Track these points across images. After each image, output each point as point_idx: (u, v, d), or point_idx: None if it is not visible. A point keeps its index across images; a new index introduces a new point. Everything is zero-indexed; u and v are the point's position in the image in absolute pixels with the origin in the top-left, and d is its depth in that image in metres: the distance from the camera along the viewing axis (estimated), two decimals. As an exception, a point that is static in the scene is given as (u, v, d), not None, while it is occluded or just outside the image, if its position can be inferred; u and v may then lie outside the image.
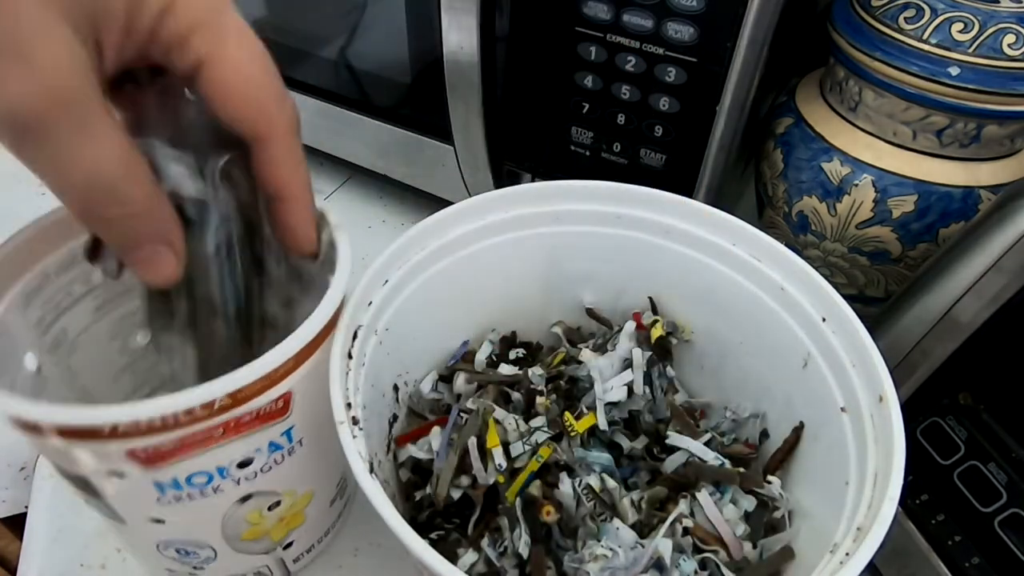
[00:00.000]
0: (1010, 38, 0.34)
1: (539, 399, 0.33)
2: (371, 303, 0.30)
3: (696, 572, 0.28)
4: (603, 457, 0.32)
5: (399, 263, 0.32)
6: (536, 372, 0.34)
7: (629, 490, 0.32)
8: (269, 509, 0.30)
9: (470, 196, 0.34)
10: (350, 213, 0.58)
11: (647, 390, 0.33)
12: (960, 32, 0.34)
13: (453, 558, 0.30)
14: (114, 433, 0.23)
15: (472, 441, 0.31)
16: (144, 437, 0.24)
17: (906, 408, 0.26)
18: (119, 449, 0.24)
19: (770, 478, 0.31)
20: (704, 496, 0.30)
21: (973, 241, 0.31)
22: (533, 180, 0.47)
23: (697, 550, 0.29)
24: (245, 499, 0.29)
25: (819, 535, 0.27)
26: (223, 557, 0.31)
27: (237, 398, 0.25)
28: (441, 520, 0.32)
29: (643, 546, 0.29)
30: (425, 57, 0.45)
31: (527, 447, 0.31)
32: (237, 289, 0.28)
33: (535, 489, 0.30)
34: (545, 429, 0.31)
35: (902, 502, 0.25)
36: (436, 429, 0.33)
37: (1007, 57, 0.34)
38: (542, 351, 0.39)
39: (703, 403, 0.37)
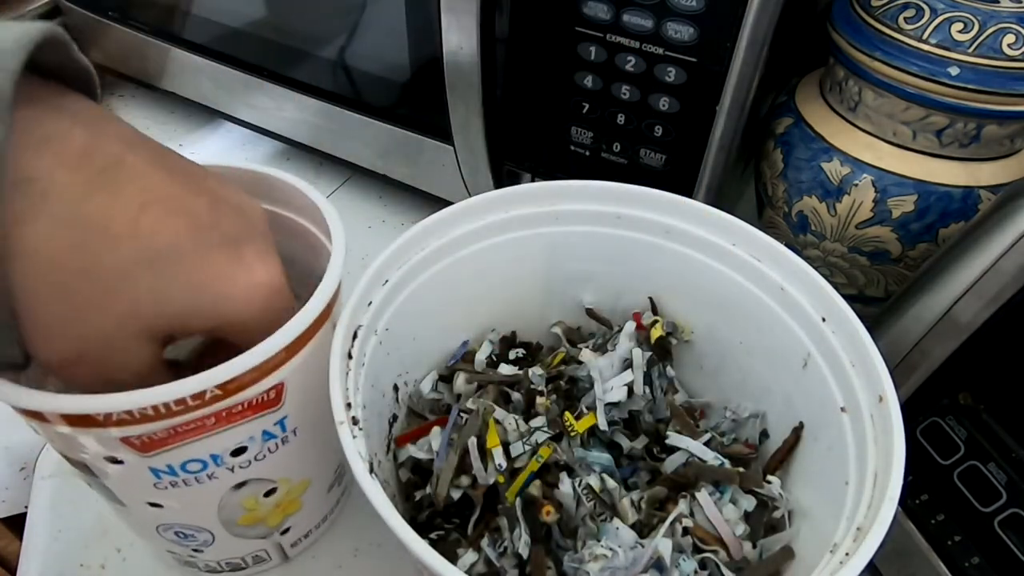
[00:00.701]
0: (1010, 38, 0.34)
1: (539, 399, 0.33)
2: (371, 303, 0.30)
3: (696, 572, 0.28)
4: (603, 457, 0.32)
5: (399, 263, 0.32)
6: (536, 372, 0.34)
7: (629, 490, 0.32)
8: (265, 496, 0.31)
9: (470, 196, 0.34)
10: (350, 213, 0.58)
11: (647, 390, 0.33)
12: (960, 32, 0.34)
13: (453, 558, 0.30)
14: (108, 421, 0.24)
15: (472, 441, 0.31)
16: (137, 425, 0.24)
17: (906, 408, 0.26)
18: (115, 436, 0.25)
19: (770, 478, 0.31)
20: (704, 496, 0.30)
21: (973, 241, 0.31)
22: (533, 180, 0.47)
23: (697, 550, 0.29)
24: (240, 486, 0.29)
25: (819, 535, 0.27)
26: (221, 541, 0.32)
27: (228, 389, 0.25)
28: (441, 520, 0.32)
29: (643, 546, 0.29)
30: (425, 57, 0.45)
31: (527, 447, 0.31)
32: None
33: (535, 489, 0.30)
34: (545, 429, 0.31)
35: (902, 502, 0.25)
36: (436, 429, 0.33)
37: (1007, 57, 0.34)
38: (542, 351, 0.39)
39: (703, 403, 0.37)
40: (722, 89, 0.37)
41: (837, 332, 0.29)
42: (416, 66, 0.47)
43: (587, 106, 0.42)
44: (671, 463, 0.32)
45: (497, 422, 0.31)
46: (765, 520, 0.30)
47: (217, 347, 0.28)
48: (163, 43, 0.59)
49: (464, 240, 0.34)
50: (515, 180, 0.48)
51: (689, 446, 0.32)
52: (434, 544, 0.29)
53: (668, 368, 0.35)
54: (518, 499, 0.30)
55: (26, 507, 0.40)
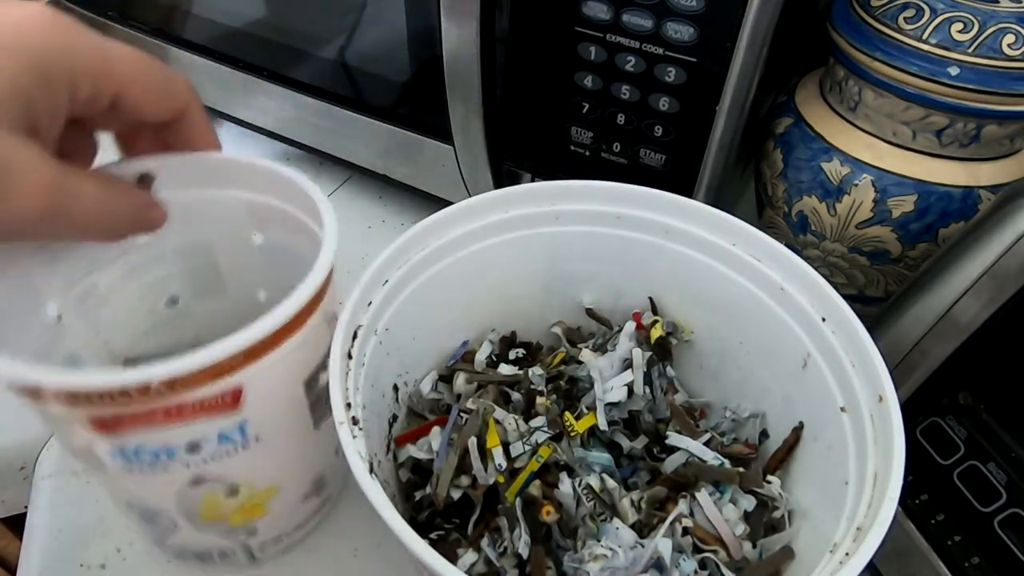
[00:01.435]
0: (1010, 38, 0.34)
1: (539, 399, 0.33)
2: (371, 303, 0.30)
3: (696, 572, 0.28)
4: (603, 457, 0.32)
5: (399, 263, 0.32)
6: (536, 372, 0.34)
7: (629, 490, 0.32)
8: (228, 496, 0.30)
9: (470, 196, 0.34)
10: (350, 213, 0.58)
11: (647, 390, 0.33)
12: (960, 32, 0.34)
13: (453, 558, 0.30)
14: (69, 397, 0.24)
15: (472, 441, 0.31)
16: (91, 406, 0.24)
17: (906, 408, 0.26)
18: (78, 411, 0.25)
19: (770, 478, 0.31)
20: (704, 496, 0.30)
21: (973, 241, 0.31)
22: (533, 180, 0.47)
23: (697, 550, 0.29)
24: (197, 482, 0.29)
25: (819, 535, 0.27)
26: (186, 531, 0.31)
27: (174, 386, 0.24)
28: (441, 520, 0.32)
29: (643, 546, 0.29)
30: (425, 57, 0.45)
31: (527, 447, 0.31)
32: None
33: (535, 489, 0.30)
34: (545, 429, 0.31)
35: (902, 502, 0.25)
36: (436, 429, 0.33)
37: (1007, 57, 0.34)
38: (542, 351, 0.39)
39: (703, 403, 0.37)
40: (722, 89, 0.37)
41: (837, 332, 0.29)
42: (416, 66, 0.47)
43: (587, 106, 0.42)
44: (671, 463, 0.32)
45: (497, 422, 0.31)
46: (765, 520, 0.30)
47: None
48: (163, 43, 0.59)
49: (464, 240, 0.34)
50: (515, 180, 0.48)
51: (689, 446, 0.32)
52: (434, 544, 0.29)
53: (668, 368, 0.35)
54: (518, 499, 0.30)
55: (26, 507, 0.40)
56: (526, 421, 0.32)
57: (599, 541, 0.29)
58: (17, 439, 0.42)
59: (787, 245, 0.32)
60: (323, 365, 0.30)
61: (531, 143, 0.46)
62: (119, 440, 0.26)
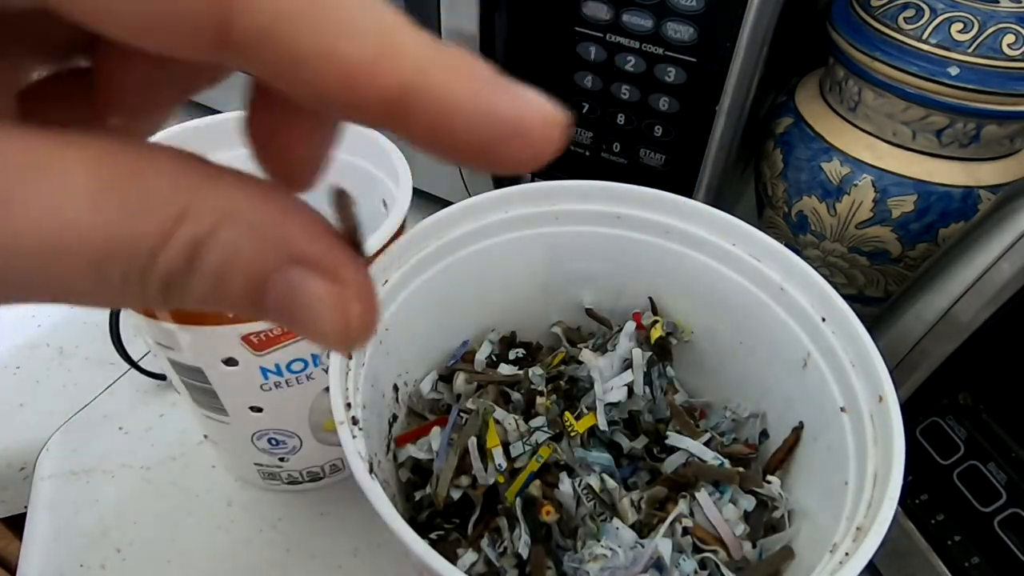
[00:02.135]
0: (1010, 38, 0.34)
1: (539, 399, 0.33)
2: (371, 303, 0.30)
3: (696, 572, 0.28)
4: (603, 457, 0.32)
5: (399, 263, 0.32)
6: (536, 372, 0.34)
7: (629, 490, 0.32)
8: None
9: (470, 196, 0.34)
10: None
11: (647, 390, 0.33)
12: (960, 32, 0.34)
13: (453, 558, 0.30)
14: (236, 317, 0.27)
15: (472, 441, 0.31)
16: (258, 321, 0.28)
17: (906, 408, 0.26)
18: (236, 333, 0.28)
19: (770, 478, 0.31)
20: (704, 496, 0.30)
21: (973, 241, 0.31)
22: (533, 180, 0.47)
23: (697, 550, 0.29)
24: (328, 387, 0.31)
25: (819, 535, 0.27)
26: (306, 447, 0.36)
27: None
28: (441, 520, 0.32)
29: (643, 546, 0.29)
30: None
31: (527, 447, 0.31)
32: None
33: (535, 489, 0.30)
34: (545, 429, 0.31)
35: (902, 502, 0.25)
36: (436, 429, 0.33)
37: (1007, 57, 0.34)
38: (542, 351, 0.39)
39: (703, 403, 0.37)
40: (722, 89, 0.37)
41: (837, 332, 0.29)
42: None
43: (587, 106, 0.42)
44: (671, 463, 0.32)
45: (497, 422, 0.31)
46: (765, 520, 0.30)
47: None
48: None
49: (464, 240, 0.34)
50: (515, 180, 0.48)
51: (689, 446, 0.32)
52: (434, 544, 0.29)
53: (668, 368, 0.35)
54: (518, 499, 0.30)
55: (26, 507, 0.40)
56: (526, 421, 0.32)
57: (599, 541, 0.29)
58: (17, 439, 0.42)
59: (787, 245, 0.32)
60: None
61: (531, 143, 0.46)
62: (275, 357, 0.30)
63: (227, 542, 0.38)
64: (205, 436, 0.40)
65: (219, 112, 0.37)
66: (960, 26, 0.34)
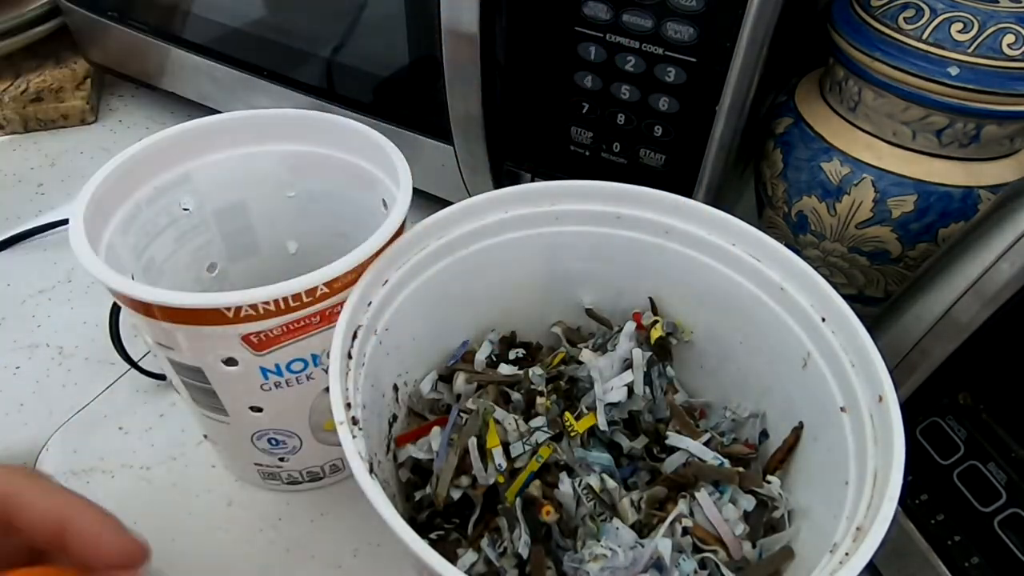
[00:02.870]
0: (1009, 38, 0.34)
1: (539, 399, 0.33)
2: (371, 303, 0.30)
3: (696, 572, 0.28)
4: (603, 457, 0.32)
5: (399, 263, 0.32)
6: (536, 372, 0.34)
7: (629, 490, 0.32)
8: None
9: (470, 196, 0.34)
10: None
11: (647, 390, 0.33)
12: (959, 32, 0.34)
13: (453, 558, 0.30)
14: (237, 316, 0.28)
15: (472, 441, 0.31)
16: (260, 321, 0.28)
17: (906, 408, 0.26)
18: (238, 334, 0.29)
19: (769, 478, 0.31)
20: (703, 496, 0.30)
21: (973, 241, 0.31)
22: (533, 180, 0.47)
23: (697, 550, 0.29)
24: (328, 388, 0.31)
25: (819, 535, 0.27)
26: (307, 447, 0.36)
27: (333, 287, 0.29)
28: (441, 520, 0.32)
29: (643, 546, 0.29)
30: (425, 57, 0.45)
31: (527, 447, 0.31)
32: None
33: (535, 489, 0.30)
34: (545, 429, 0.31)
35: (902, 502, 0.25)
36: (436, 429, 0.33)
37: (1006, 57, 0.34)
38: (542, 351, 0.39)
39: (703, 403, 0.37)
40: (722, 89, 0.37)
41: (837, 332, 0.29)
42: (416, 66, 0.47)
43: (587, 106, 0.42)
44: (671, 463, 0.32)
45: (497, 422, 0.31)
46: (765, 520, 0.30)
47: None
48: (163, 43, 0.59)
49: (464, 240, 0.34)
50: (515, 180, 0.48)
51: (689, 446, 0.32)
52: (434, 544, 0.29)
53: (668, 368, 0.35)
54: (518, 499, 0.30)
55: (26, 507, 0.40)
56: (526, 421, 0.32)
57: (599, 541, 0.29)
58: (17, 439, 0.42)
59: (787, 245, 0.32)
60: None
61: (531, 143, 0.46)
62: (275, 356, 0.30)
63: (227, 542, 0.38)
64: (205, 436, 0.40)
65: (219, 112, 0.37)
66: (960, 26, 0.34)
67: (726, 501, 0.30)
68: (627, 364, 0.34)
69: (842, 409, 0.28)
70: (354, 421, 0.26)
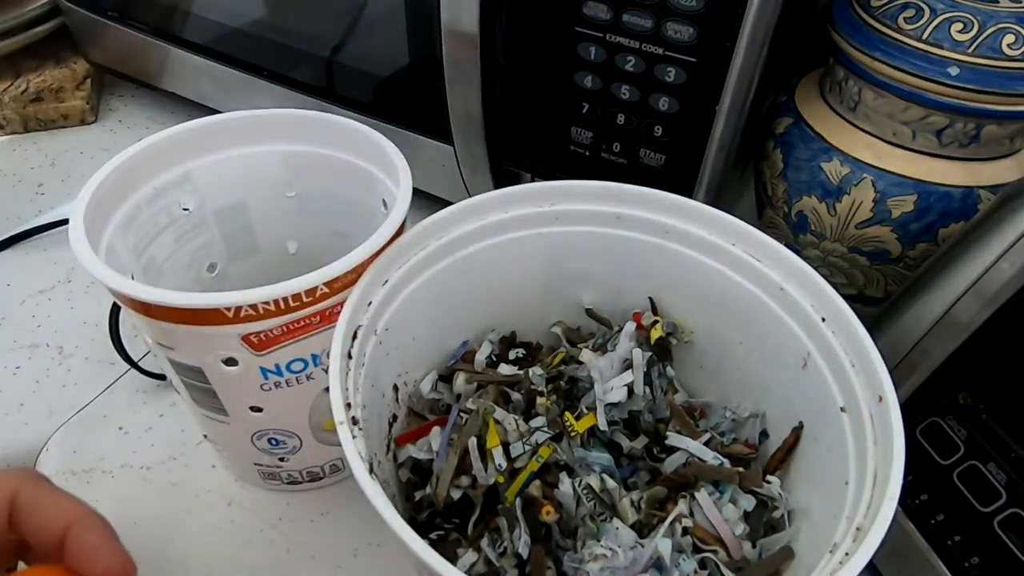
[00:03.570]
0: (1009, 38, 0.34)
1: (539, 399, 0.33)
2: (371, 303, 0.30)
3: (696, 572, 0.28)
4: (603, 457, 0.32)
5: (399, 263, 0.32)
6: (536, 372, 0.34)
7: (629, 490, 0.32)
8: None
9: (470, 196, 0.34)
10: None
11: (647, 390, 0.33)
12: (959, 32, 0.34)
13: (453, 558, 0.30)
14: (237, 316, 0.28)
15: (472, 441, 0.31)
16: (260, 321, 0.28)
17: (906, 408, 0.26)
18: (238, 334, 0.28)
19: (769, 478, 0.31)
20: (703, 496, 0.30)
21: (973, 241, 0.31)
22: (533, 180, 0.47)
23: (697, 550, 0.29)
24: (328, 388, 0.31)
25: (819, 535, 0.27)
26: (307, 447, 0.36)
27: (333, 287, 0.29)
28: (441, 520, 0.32)
29: (643, 546, 0.29)
30: (425, 56, 0.45)
31: (527, 447, 0.31)
32: None
33: (535, 489, 0.30)
34: (545, 429, 0.31)
35: (902, 502, 0.25)
36: (436, 429, 0.33)
37: (1006, 57, 0.34)
38: (542, 351, 0.39)
39: (703, 403, 0.37)
40: (722, 89, 0.37)
41: (837, 332, 0.29)
42: (416, 66, 0.47)
43: (587, 106, 0.42)
44: (671, 463, 0.32)
45: (497, 422, 0.31)
46: (765, 520, 0.30)
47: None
48: (163, 43, 0.59)
49: (464, 240, 0.34)
50: (515, 180, 0.48)
51: (689, 446, 0.32)
52: (434, 544, 0.29)
53: (668, 368, 0.35)
54: (518, 499, 0.30)
55: (26, 507, 0.40)
56: (526, 421, 0.32)
57: (599, 541, 0.29)
58: (17, 439, 0.42)
59: (787, 245, 0.32)
60: None
61: (531, 143, 0.46)
62: (275, 357, 0.30)
63: (227, 542, 0.38)
64: (205, 436, 0.40)
65: (219, 112, 0.37)
66: (960, 26, 0.34)
67: (726, 501, 0.30)
68: (627, 364, 0.34)
69: (842, 409, 0.28)
70: (354, 421, 0.26)
